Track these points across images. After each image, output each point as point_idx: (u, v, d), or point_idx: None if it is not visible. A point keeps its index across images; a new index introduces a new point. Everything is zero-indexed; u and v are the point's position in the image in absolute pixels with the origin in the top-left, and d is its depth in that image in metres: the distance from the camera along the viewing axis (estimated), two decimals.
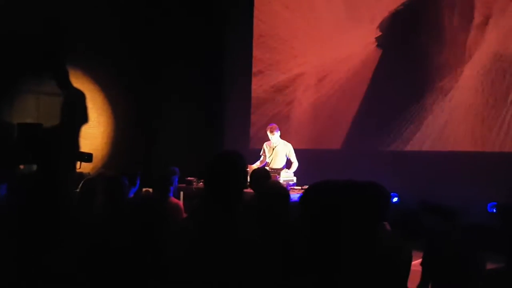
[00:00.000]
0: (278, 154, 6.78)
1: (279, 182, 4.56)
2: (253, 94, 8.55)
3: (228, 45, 8.84)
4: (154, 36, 8.06)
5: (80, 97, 7.24)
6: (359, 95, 7.52)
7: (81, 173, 5.45)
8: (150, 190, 5.12)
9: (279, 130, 6.78)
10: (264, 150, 6.95)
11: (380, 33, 7.44)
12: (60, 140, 6.62)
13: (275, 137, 6.75)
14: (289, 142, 6.90)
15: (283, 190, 2.91)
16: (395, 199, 6.29)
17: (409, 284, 2.26)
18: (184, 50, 8.32)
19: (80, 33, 7.06)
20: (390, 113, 7.09)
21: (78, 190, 3.64)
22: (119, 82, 7.71)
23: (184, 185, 6.28)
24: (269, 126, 6.82)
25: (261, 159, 6.92)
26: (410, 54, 7.03)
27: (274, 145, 6.81)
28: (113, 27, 7.48)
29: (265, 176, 4.60)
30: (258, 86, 8.54)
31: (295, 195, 5.81)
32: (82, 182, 3.81)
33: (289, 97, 8.26)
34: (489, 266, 2.12)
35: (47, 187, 2.34)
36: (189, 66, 8.35)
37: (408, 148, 7.00)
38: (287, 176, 6.34)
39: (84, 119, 7.33)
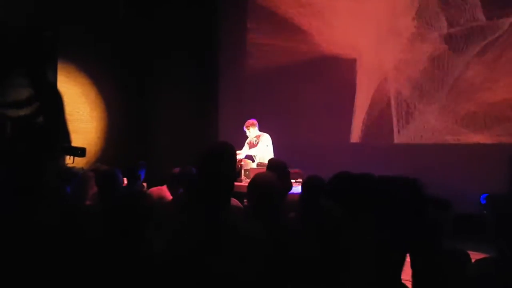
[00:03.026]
0: (262, 148, 6.34)
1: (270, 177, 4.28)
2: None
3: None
4: (148, 30, 8.02)
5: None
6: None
7: (73, 167, 5.44)
8: (145, 184, 5.15)
9: (257, 124, 6.42)
10: (246, 147, 6.53)
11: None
12: (51, 133, 6.59)
13: (251, 133, 6.43)
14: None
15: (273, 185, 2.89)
16: None
17: (403, 275, 2.28)
18: (178, 46, 8.28)
19: (74, 27, 7.03)
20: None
21: (71, 184, 3.66)
22: (112, 77, 7.68)
23: None
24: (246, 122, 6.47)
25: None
26: None
27: (255, 142, 6.43)
28: (109, 21, 7.44)
29: (283, 167, 4.03)
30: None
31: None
32: (76, 176, 3.82)
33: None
34: (480, 256, 2.15)
35: (35, 178, 2.33)
36: (182, 61, 8.31)
37: (399, 140, 7.03)
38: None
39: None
